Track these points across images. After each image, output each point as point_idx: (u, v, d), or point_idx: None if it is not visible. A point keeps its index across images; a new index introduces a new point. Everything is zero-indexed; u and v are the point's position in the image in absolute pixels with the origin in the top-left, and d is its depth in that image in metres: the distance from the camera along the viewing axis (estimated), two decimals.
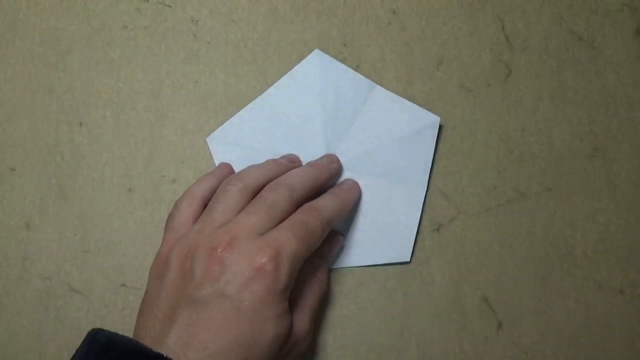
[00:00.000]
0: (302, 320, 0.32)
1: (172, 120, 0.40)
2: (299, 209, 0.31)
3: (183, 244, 0.30)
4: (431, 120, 0.38)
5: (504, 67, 0.40)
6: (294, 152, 0.38)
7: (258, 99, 0.38)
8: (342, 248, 0.37)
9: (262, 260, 0.28)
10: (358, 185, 0.37)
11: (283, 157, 0.37)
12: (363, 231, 0.37)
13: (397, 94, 0.38)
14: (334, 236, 0.36)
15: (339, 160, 0.37)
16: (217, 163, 0.38)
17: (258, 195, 0.31)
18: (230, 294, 0.27)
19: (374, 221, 0.37)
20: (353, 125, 0.37)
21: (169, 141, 0.40)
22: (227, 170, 0.37)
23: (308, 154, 0.37)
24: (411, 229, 0.37)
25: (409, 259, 0.38)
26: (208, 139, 0.38)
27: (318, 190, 0.34)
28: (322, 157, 0.36)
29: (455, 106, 0.39)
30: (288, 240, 0.29)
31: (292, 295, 0.30)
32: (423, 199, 0.38)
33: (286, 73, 0.39)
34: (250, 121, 0.38)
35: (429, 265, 0.38)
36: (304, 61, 0.38)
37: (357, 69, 0.39)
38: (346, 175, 0.38)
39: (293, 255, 0.29)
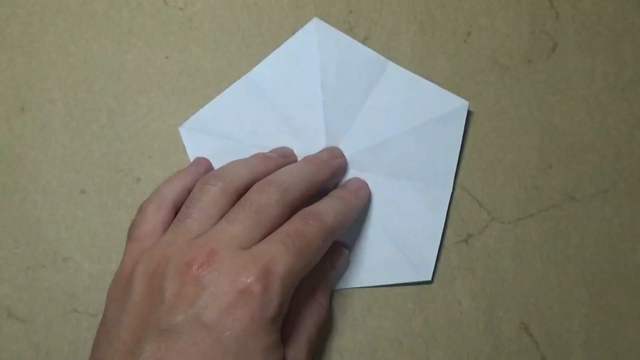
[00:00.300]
0: (297, 355, 0.29)
1: (136, 105, 0.36)
2: (294, 216, 0.29)
3: (150, 258, 0.28)
4: (458, 105, 0.34)
5: (548, 39, 0.36)
6: (287, 145, 0.35)
7: (242, 79, 0.35)
8: (347, 264, 0.34)
9: (248, 280, 0.25)
10: (367, 185, 0.34)
11: (273, 150, 0.34)
12: (374, 244, 0.35)
13: (415, 72, 0.35)
14: (337, 249, 0.34)
15: (342, 155, 0.34)
16: (191, 158, 0.36)
17: (243, 198, 0.29)
18: (208, 321, 0.25)
19: (388, 231, 0.35)
20: (361, 111, 0.35)
21: (132, 131, 0.36)
22: (203, 167, 0.34)
23: (305, 146, 0.35)
24: (433, 240, 0.35)
25: (430, 278, 0.35)
26: (181, 129, 0.35)
27: (317, 192, 0.32)
28: (322, 151, 0.34)
29: (487, 88, 0.36)
30: (280, 254, 0.26)
31: (284, 323, 0.28)
32: (448, 203, 0.35)
33: (277, 47, 0.36)
34: (232, 106, 0.35)
35: (455, 286, 0.36)
36: (299, 32, 0.35)
37: (365, 41, 0.36)
38: (352, 173, 0.35)
39: (286, 274, 0.26)
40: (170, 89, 0.37)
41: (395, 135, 0.35)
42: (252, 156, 0.33)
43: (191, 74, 0.37)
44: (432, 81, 0.35)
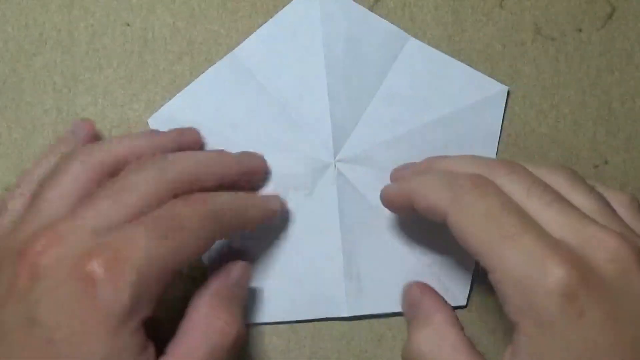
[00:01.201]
0: None
1: (89, 85, 0.33)
2: (173, 199, 0.27)
3: None
4: (496, 90, 0.33)
5: (604, 2, 0.34)
6: (284, 140, 0.32)
7: (226, 58, 0.33)
8: (248, 275, 0.31)
9: (90, 268, 0.24)
10: (279, 200, 0.31)
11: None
12: (404, 266, 0.32)
13: (438, 47, 0.33)
14: (235, 261, 0.30)
15: (262, 158, 0.32)
16: None
17: (116, 177, 0.27)
18: (40, 318, 0.23)
19: (412, 248, 0.32)
20: (375, 97, 0.33)
21: (85, 116, 0.33)
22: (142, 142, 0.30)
23: (306, 141, 0.32)
24: (469, 259, 0.32)
25: (464, 303, 0.33)
26: (150, 121, 0.32)
27: (214, 187, 0.29)
28: (239, 152, 0.32)
29: (528, 63, 0.33)
30: (138, 238, 0.24)
31: (173, 344, 0.26)
32: None
33: (271, 16, 0.33)
34: (214, 92, 0.33)
35: (494, 311, 0.33)
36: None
37: (373, 6, 0.33)
38: (366, 172, 0.32)
39: (144, 262, 0.24)
40: (133, 66, 0.34)
41: (419, 127, 0.33)
42: (142, 132, 0.31)
43: (159, 47, 0.33)
44: (460, 58, 0.33)
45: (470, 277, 0.32)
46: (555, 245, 0.23)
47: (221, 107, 0.33)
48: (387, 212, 0.31)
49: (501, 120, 0.33)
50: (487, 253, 0.24)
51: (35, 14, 0.33)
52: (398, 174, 0.31)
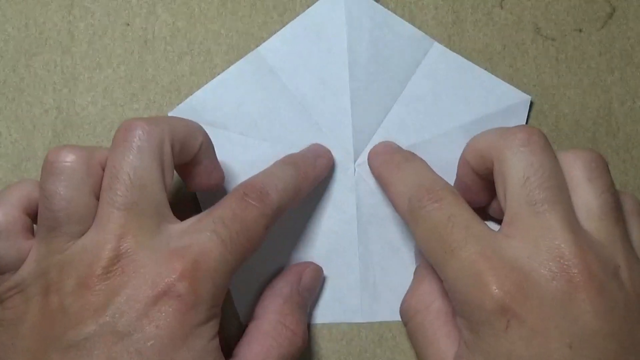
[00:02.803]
0: None
1: (89, 85, 0.33)
2: (231, 192, 0.26)
3: (35, 272, 0.25)
4: (518, 99, 0.32)
5: (604, 2, 0.33)
6: (304, 140, 0.32)
7: (249, 56, 0.32)
8: (318, 280, 0.31)
9: (172, 279, 0.24)
10: (329, 153, 0.31)
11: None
12: (410, 269, 0.31)
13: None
14: (302, 264, 0.30)
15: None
16: None
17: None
18: (124, 330, 0.23)
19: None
20: (397, 101, 0.32)
21: (85, 116, 0.33)
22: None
23: (325, 141, 0.32)
24: None
25: None
26: (171, 114, 0.32)
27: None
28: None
29: (528, 64, 0.33)
30: (212, 246, 0.24)
31: (241, 349, 0.26)
32: None
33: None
34: (235, 89, 0.32)
35: None
36: (324, 0, 0.32)
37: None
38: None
39: (219, 270, 0.24)
40: (132, 65, 0.33)
41: (440, 133, 0.32)
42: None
43: (158, 47, 0.33)
44: (462, 54, 0.32)
45: None
46: (495, 257, 0.23)
47: (243, 104, 0.32)
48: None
49: None
50: (435, 265, 0.25)
51: (35, 14, 0.33)
52: (383, 156, 0.31)
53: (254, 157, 0.31)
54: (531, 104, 0.32)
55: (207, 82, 0.32)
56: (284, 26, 0.32)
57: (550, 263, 0.23)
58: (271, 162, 0.30)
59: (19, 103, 0.32)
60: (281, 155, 0.30)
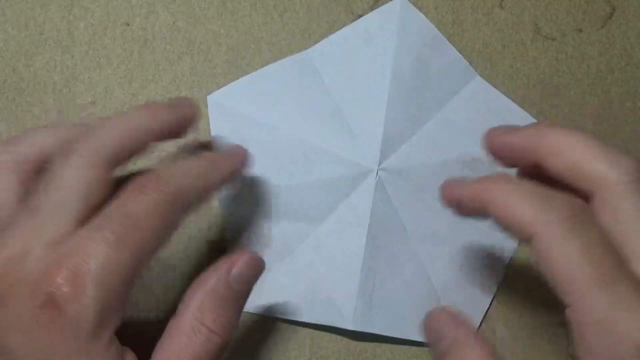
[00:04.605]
0: None
1: (89, 85, 0.33)
2: (126, 187, 0.24)
3: None
4: None
5: (604, 2, 0.33)
6: (331, 139, 0.31)
7: (297, 56, 0.32)
8: (257, 271, 0.27)
9: (52, 288, 0.22)
10: (246, 153, 0.28)
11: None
12: (410, 287, 0.31)
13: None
14: (240, 252, 0.27)
15: (192, 103, 0.28)
16: (214, 135, 0.32)
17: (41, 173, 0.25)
18: (11, 347, 0.22)
19: (431, 274, 0.32)
20: (431, 120, 0.32)
21: (84, 117, 0.33)
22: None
23: (354, 145, 0.31)
24: (488, 291, 0.31)
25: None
26: (209, 98, 0.32)
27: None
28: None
29: (528, 63, 0.33)
30: (94, 247, 0.22)
31: (157, 351, 0.24)
32: (514, 249, 0.32)
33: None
34: (277, 83, 0.32)
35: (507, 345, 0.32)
36: (378, 10, 0.32)
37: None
38: (403, 188, 0.31)
39: (103, 272, 0.22)
40: (132, 65, 0.33)
41: (469, 158, 0.32)
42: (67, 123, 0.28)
43: (158, 47, 0.33)
44: (461, 52, 0.32)
45: (485, 309, 0.31)
46: None
47: (280, 99, 0.32)
48: (414, 233, 0.31)
49: None
50: (575, 292, 0.22)
51: (35, 14, 0.32)
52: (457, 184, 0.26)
53: (281, 150, 0.31)
54: (531, 104, 0.32)
55: (207, 82, 0.32)
56: (284, 26, 0.32)
57: None
58: (298, 157, 0.29)
59: (19, 103, 0.32)
60: (308, 152, 0.30)
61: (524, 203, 0.23)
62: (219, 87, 0.32)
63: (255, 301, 0.30)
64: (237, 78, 0.32)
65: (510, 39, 0.32)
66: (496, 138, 0.26)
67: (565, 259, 0.22)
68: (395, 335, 0.30)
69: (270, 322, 0.30)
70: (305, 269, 0.30)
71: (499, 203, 0.23)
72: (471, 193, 0.24)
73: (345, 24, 0.32)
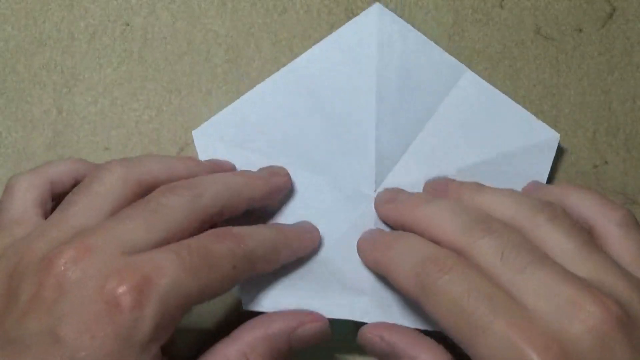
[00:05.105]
0: None
1: (89, 85, 0.33)
2: (207, 231, 0.26)
3: (13, 252, 0.25)
4: (547, 136, 0.31)
5: (604, 2, 0.33)
6: (325, 163, 0.31)
7: (282, 72, 0.31)
8: (322, 337, 0.28)
9: (118, 290, 0.23)
10: (317, 232, 0.30)
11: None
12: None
13: (437, 45, 0.32)
14: (314, 315, 0.28)
15: (287, 174, 0.30)
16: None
17: (147, 196, 0.26)
18: (63, 335, 0.22)
19: None
20: (424, 128, 0.31)
21: (85, 116, 0.32)
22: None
23: (347, 169, 0.30)
24: None
25: None
26: (195, 133, 0.31)
27: (247, 209, 0.28)
28: (261, 169, 0.31)
29: (528, 63, 0.33)
30: (168, 267, 0.23)
31: None
32: None
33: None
34: (262, 108, 0.31)
35: None
36: (356, 19, 0.31)
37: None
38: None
39: (170, 290, 0.23)
40: (132, 66, 0.33)
41: (465, 167, 0.31)
42: (176, 157, 0.30)
43: (158, 47, 0.33)
44: (460, 58, 0.32)
45: None
46: (528, 327, 0.22)
47: (268, 123, 0.31)
48: None
49: (549, 168, 0.31)
50: (462, 343, 0.23)
51: (35, 14, 0.32)
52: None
53: None
54: (531, 104, 0.32)
55: (207, 82, 0.32)
56: (284, 26, 0.32)
57: (577, 319, 0.22)
58: (294, 184, 0.30)
59: (19, 103, 0.32)
60: (303, 179, 0.30)
61: (404, 267, 0.25)
62: (218, 88, 0.32)
63: (254, 300, 0.29)
64: (237, 78, 0.32)
65: (510, 39, 0.32)
66: (379, 207, 0.29)
67: (442, 316, 0.23)
68: (410, 326, 0.29)
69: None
70: (315, 279, 0.29)
71: (390, 272, 0.26)
72: (372, 261, 0.28)
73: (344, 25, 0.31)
